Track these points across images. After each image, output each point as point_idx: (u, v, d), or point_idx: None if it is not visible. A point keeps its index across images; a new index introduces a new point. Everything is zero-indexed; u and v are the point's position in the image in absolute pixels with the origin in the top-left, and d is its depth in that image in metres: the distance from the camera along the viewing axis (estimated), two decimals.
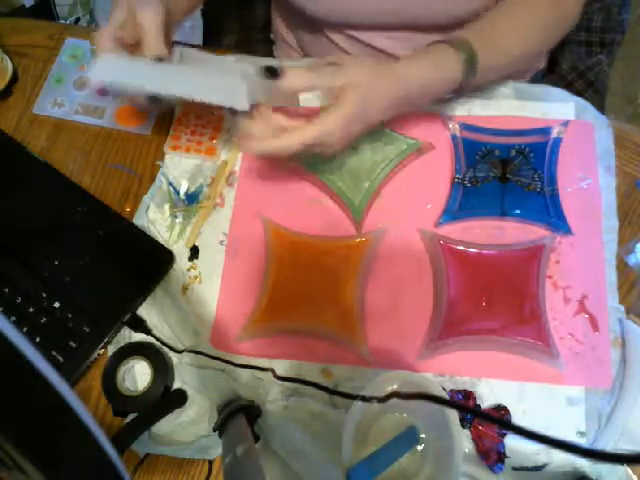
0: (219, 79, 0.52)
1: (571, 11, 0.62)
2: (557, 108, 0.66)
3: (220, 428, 0.51)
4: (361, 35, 0.69)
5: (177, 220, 0.63)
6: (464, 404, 0.54)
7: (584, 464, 0.52)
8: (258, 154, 0.53)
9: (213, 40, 0.88)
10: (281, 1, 0.68)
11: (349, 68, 0.51)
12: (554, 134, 0.63)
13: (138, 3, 0.52)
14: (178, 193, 0.64)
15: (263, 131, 0.52)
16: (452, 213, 0.61)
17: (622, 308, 0.57)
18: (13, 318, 0.58)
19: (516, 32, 0.58)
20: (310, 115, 0.51)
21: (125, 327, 0.58)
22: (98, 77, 0.54)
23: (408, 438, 0.51)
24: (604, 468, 0.52)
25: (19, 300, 0.58)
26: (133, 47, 0.54)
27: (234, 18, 0.89)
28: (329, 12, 0.65)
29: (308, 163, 0.62)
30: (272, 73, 0.50)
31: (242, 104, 0.50)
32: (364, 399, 0.43)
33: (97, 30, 0.54)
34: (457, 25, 0.58)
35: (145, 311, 0.60)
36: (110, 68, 0.53)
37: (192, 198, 0.64)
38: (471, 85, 0.57)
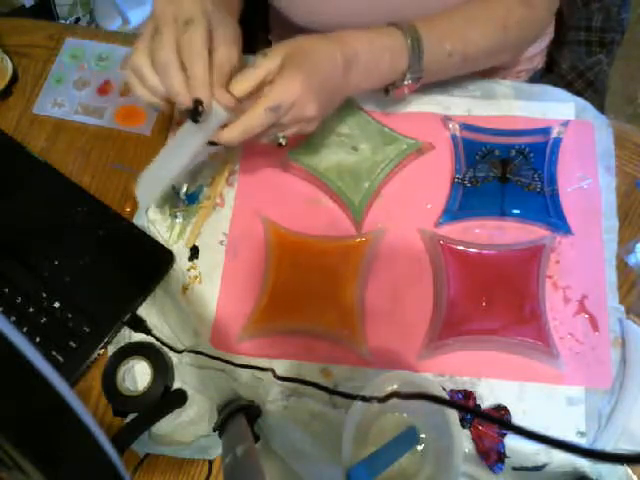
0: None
1: (540, 12, 0.61)
2: (557, 108, 0.66)
3: (220, 428, 0.51)
4: None
5: (177, 220, 0.63)
6: (464, 404, 0.54)
7: (584, 464, 0.52)
8: (235, 139, 0.50)
9: None
10: (276, 10, 0.68)
11: (284, 42, 0.50)
12: (554, 134, 0.63)
13: (225, 25, 0.50)
14: (178, 193, 0.64)
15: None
16: (452, 213, 0.61)
17: (622, 308, 0.57)
18: (13, 318, 0.58)
19: (470, 21, 0.58)
20: None
21: (125, 327, 0.58)
22: (147, 202, 0.58)
23: (408, 438, 0.51)
24: (604, 468, 0.52)
25: (19, 300, 0.58)
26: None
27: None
28: (318, 25, 0.65)
29: (308, 163, 0.62)
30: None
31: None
32: (364, 399, 0.43)
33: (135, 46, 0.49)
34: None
35: (145, 311, 0.60)
36: (151, 184, 0.55)
37: (192, 198, 0.64)
38: (427, 69, 0.56)
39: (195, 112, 0.47)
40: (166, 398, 0.55)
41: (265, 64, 0.49)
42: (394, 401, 0.39)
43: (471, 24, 0.58)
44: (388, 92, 0.59)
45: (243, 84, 0.49)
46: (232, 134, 0.49)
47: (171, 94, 0.48)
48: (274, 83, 0.48)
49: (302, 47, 0.50)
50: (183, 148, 0.52)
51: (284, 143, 0.53)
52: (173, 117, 0.68)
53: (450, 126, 0.64)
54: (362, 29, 0.54)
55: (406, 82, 0.56)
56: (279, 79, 0.48)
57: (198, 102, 0.47)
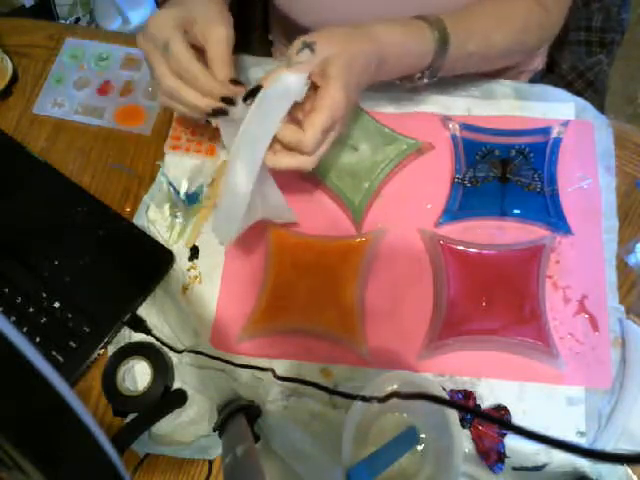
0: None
1: (554, 16, 0.62)
2: (557, 108, 0.66)
3: (220, 428, 0.51)
4: None
5: (177, 220, 0.63)
6: (464, 404, 0.54)
7: (584, 464, 0.52)
8: (286, 167, 0.50)
9: None
10: (278, 11, 0.68)
11: (326, 36, 0.49)
12: (554, 134, 0.63)
13: (207, 18, 0.51)
14: (178, 193, 0.64)
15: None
16: (452, 213, 0.61)
17: (622, 308, 0.57)
18: (13, 318, 0.58)
19: (495, 22, 0.58)
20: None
21: (125, 327, 0.58)
22: (230, 239, 0.52)
23: (408, 438, 0.51)
24: (604, 468, 0.52)
25: (19, 300, 0.58)
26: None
27: (234, 18, 0.88)
28: (321, 26, 0.65)
29: None
30: (254, 93, 0.49)
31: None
32: (364, 399, 0.43)
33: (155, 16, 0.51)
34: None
35: (145, 311, 0.60)
36: (225, 223, 0.52)
37: (192, 198, 0.64)
38: (446, 66, 0.56)
39: (229, 103, 0.50)
40: (166, 398, 0.55)
41: (311, 61, 0.48)
42: (394, 401, 0.39)
43: (495, 25, 0.58)
44: (400, 81, 0.58)
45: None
46: (287, 160, 0.50)
47: (197, 108, 0.51)
48: (322, 104, 0.48)
49: (347, 51, 0.49)
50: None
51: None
52: (173, 117, 0.68)
53: (450, 126, 0.64)
54: (395, 23, 0.53)
55: (425, 80, 0.56)
56: (328, 98, 0.48)
57: (225, 100, 0.49)
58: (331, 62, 0.48)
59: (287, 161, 0.50)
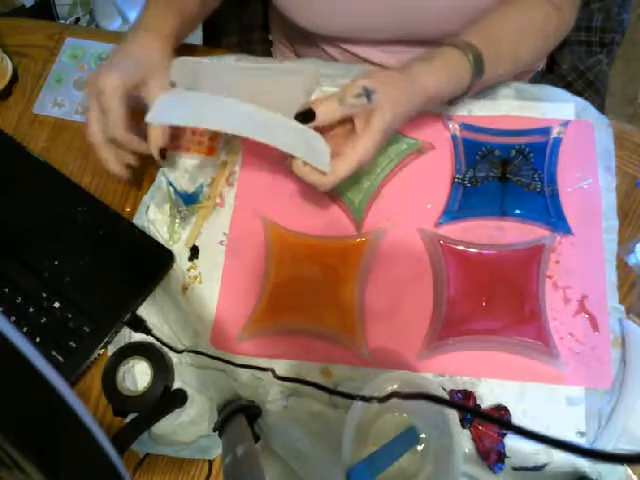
0: (298, 131, 0.50)
1: (568, 15, 0.62)
2: (557, 108, 0.65)
3: (220, 428, 0.51)
4: (354, 49, 0.69)
5: (177, 220, 0.63)
6: (464, 404, 0.54)
7: (584, 464, 0.52)
8: (305, 180, 0.53)
9: (213, 40, 0.88)
10: (278, 12, 0.68)
11: (381, 96, 0.50)
12: (554, 134, 0.63)
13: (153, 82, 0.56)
14: (178, 193, 0.64)
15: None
16: (452, 213, 0.61)
17: (622, 308, 0.57)
18: (13, 318, 0.58)
19: (518, 36, 0.58)
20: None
21: (125, 327, 0.58)
22: (158, 119, 0.53)
23: (408, 438, 0.51)
24: (604, 468, 0.52)
25: (19, 300, 0.58)
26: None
27: (234, 18, 0.89)
28: (321, 27, 0.66)
29: None
30: (305, 117, 0.50)
31: (325, 165, 0.50)
32: (364, 399, 0.43)
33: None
34: (450, 38, 0.58)
35: (145, 311, 0.60)
36: (171, 108, 0.52)
37: (192, 198, 0.64)
38: (478, 86, 0.57)
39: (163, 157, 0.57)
40: (166, 398, 0.55)
41: (360, 105, 0.49)
42: (394, 401, 0.39)
43: (521, 41, 0.58)
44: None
45: (328, 114, 0.50)
46: (323, 181, 0.51)
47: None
48: (355, 149, 0.49)
49: (398, 106, 0.50)
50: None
51: None
52: None
53: (450, 126, 0.64)
54: (434, 63, 0.53)
55: (458, 100, 0.58)
56: (360, 145, 0.49)
57: (161, 151, 0.56)
58: (379, 114, 0.49)
59: (308, 177, 0.52)
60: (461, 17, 0.60)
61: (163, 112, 0.52)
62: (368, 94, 0.49)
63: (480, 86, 0.58)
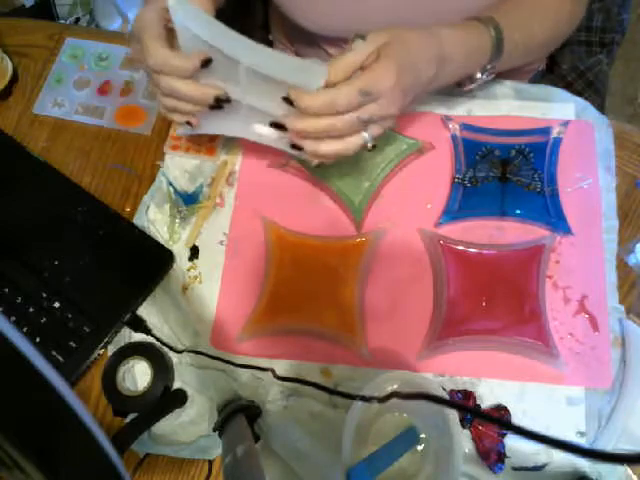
0: (295, 60, 0.48)
1: (579, 6, 0.63)
2: (557, 108, 0.66)
3: (220, 428, 0.51)
4: None
5: (177, 220, 0.63)
6: (464, 404, 0.54)
7: (584, 464, 0.52)
8: (316, 108, 0.46)
9: None
10: (278, 12, 0.68)
11: (383, 29, 0.48)
12: (554, 134, 0.63)
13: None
14: (178, 193, 0.64)
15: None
16: (452, 213, 0.61)
17: (622, 308, 0.57)
18: (13, 318, 0.58)
19: (531, 14, 0.58)
20: None
21: (125, 327, 0.58)
22: (180, 20, 0.47)
23: (408, 438, 0.51)
24: (604, 468, 0.52)
25: (19, 300, 0.58)
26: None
27: (234, 18, 0.89)
28: (321, 28, 0.66)
29: (308, 163, 0.62)
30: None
31: (318, 82, 0.45)
32: (364, 399, 0.43)
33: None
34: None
35: (145, 311, 0.60)
36: (192, 16, 0.48)
37: (192, 198, 0.64)
38: (497, 66, 0.56)
39: (221, 102, 0.50)
40: (166, 398, 0.55)
41: (364, 49, 0.47)
42: (394, 401, 0.39)
43: (533, 16, 0.58)
44: (460, 85, 0.58)
45: (339, 67, 0.46)
46: (315, 102, 0.46)
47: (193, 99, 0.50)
48: (369, 69, 0.46)
49: (402, 38, 0.48)
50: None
51: (370, 146, 0.50)
52: None
53: (450, 126, 0.64)
54: (455, 27, 0.53)
55: (483, 76, 0.56)
56: (375, 66, 0.46)
57: (217, 99, 0.49)
58: (386, 45, 0.47)
59: (327, 147, 0.47)
60: (460, 18, 0.60)
61: (186, 14, 0.48)
62: (361, 36, 0.48)
63: (504, 60, 0.56)
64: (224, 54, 0.47)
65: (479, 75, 0.57)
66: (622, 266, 0.59)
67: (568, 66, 0.79)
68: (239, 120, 0.53)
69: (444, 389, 0.54)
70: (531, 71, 0.79)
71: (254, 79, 0.48)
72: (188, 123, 0.53)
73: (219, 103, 0.50)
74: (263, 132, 0.53)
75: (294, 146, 0.50)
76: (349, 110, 0.46)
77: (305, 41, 0.75)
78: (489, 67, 0.56)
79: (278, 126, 0.49)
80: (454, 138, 0.64)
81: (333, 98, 0.45)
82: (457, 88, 0.59)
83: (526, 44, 0.58)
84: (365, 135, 0.49)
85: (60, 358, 0.56)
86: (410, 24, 0.63)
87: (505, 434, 0.52)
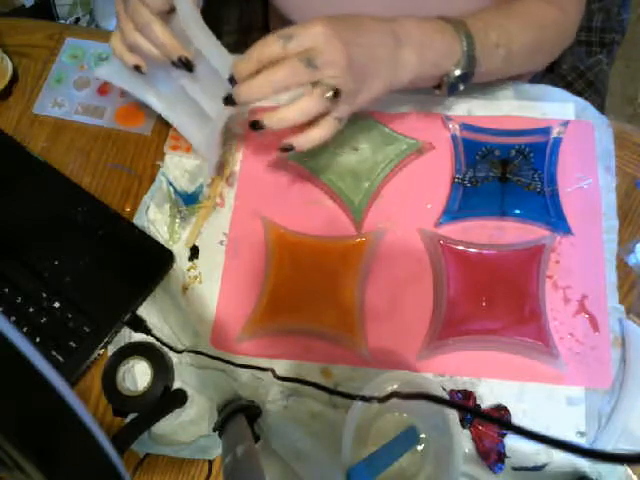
0: (202, 128, 0.56)
1: (572, 16, 0.62)
2: (557, 108, 0.66)
3: (220, 428, 0.51)
4: None
5: (177, 220, 0.63)
6: (464, 404, 0.54)
7: (584, 464, 0.52)
8: (246, 69, 0.47)
9: None
10: (277, 13, 0.69)
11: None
12: (554, 134, 0.63)
13: None
14: (178, 193, 0.64)
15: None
16: (452, 213, 0.61)
17: (622, 308, 0.57)
18: (13, 318, 0.58)
19: (508, 17, 0.58)
20: None
21: (125, 327, 0.58)
22: (102, 76, 0.57)
23: (408, 438, 0.51)
24: (604, 468, 0.52)
25: (19, 300, 0.58)
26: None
27: (234, 18, 0.89)
28: None
29: (308, 163, 0.62)
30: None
31: (212, 161, 0.57)
32: (364, 399, 0.43)
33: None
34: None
35: (145, 311, 0.60)
36: (117, 72, 0.56)
37: (192, 198, 0.64)
38: (478, 66, 0.55)
39: (183, 63, 0.51)
40: (166, 398, 0.55)
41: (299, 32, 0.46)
42: (394, 401, 0.39)
43: (511, 19, 0.58)
44: (440, 87, 0.57)
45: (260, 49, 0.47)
46: (248, 63, 0.47)
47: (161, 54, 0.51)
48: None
49: (347, 15, 0.48)
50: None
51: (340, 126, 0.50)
52: None
53: (450, 126, 0.64)
54: (418, 17, 0.53)
55: (460, 71, 0.54)
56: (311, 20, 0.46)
57: (180, 59, 0.50)
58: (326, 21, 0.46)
59: (284, 113, 0.47)
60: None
61: (110, 72, 0.57)
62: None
63: (483, 63, 0.55)
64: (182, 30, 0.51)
65: (457, 72, 0.54)
66: (622, 266, 0.59)
67: (568, 66, 0.79)
68: (175, 95, 0.57)
69: (444, 389, 0.54)
70: (532, 72, 0.79)
71: (205, 68, 0.52)
72: (137, 68, 0.53)
73: (180, 63, 0.50)
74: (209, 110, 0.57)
75: (254, 124, 0.49)
76: (282, 57, 0.45)
77: None
78: (465, 62, 0.54)
79: (229, 100, 0.49)
80: (454, 138, 0.64)
81: (260, 48, 0.46)
82: (435, 91, 0.57)
83: (508, 45, 0.57)
84: (319, 91, 0.46)
85: (60, 358, 0.56)
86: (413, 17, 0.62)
87: (505, 434, 0.52)
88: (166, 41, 0.50)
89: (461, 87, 0.56)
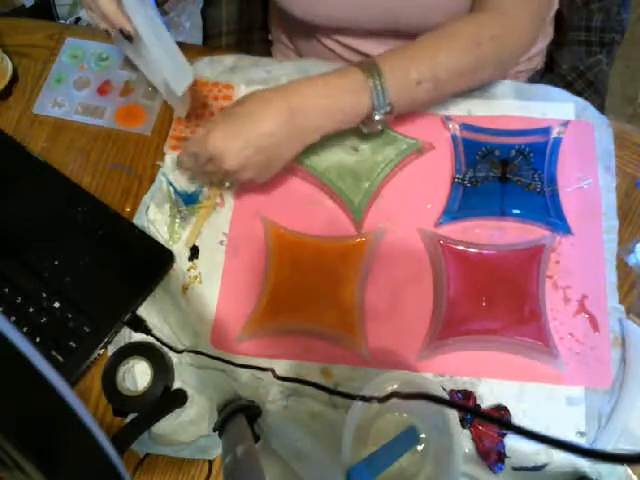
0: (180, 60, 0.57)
1: (519, 23, 0.58)
2: (557, 108, 0.66)
3: (220, 428, 0.51)
4: (352, 41, 0.70)
5: (177, 220, 0.63)
6: (464, 404, 0.54)
7: (584, 464, 0.52)
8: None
9: (213, 40, 0.88)
10: (276, 6, 0.69)
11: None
12: (554, 134, 0.63)
13: None
14: (178, 193, 0.64)
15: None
16: (452, 213, 0.61)
17: (622, 308, 0.57)
18: (13, 318, 0.58)
19: (436, 43, 0.57)
20: None
21: (125, 327, 0.58)
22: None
23: (408, 438, 0.51)
24: (604, 468, 0.52)
25: (19, 300, 0.58)
26: None
27: (234, 18, 0.89)
28: (316, 17, 0.66)
29: (308, 163, 0.62)
30: None
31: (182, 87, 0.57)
32: (364, 399, 0.43)
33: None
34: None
35: (145, 311, 0.60)
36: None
37: (192, 198, 0.64)
38: (398, 102, 0.55)
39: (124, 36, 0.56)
40: (166, 398, 0.55)
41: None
42: (394, 401, 0.39)
43: (438, 46, 0.56)
44: (363, 124, 0.58)
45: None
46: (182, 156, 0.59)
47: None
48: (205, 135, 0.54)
49: (243, 104, 0.55)
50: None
51: (228, 185, 0.60)
52: (173, 117, 0.68)
53: (450, 126, 0.64)
54: (320, 75, 0.55)
55: (377, 117, 0.56)
56: (208, 133, 0.54)
57: (122, 31, 0.56)
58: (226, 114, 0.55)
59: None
60: (444, 7, 0.60)
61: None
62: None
63: (403, 99, 0.56)
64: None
65: (376, 117, 0.56)
66: (622, 266, 0.59)
67: (568, 66, 0.79)
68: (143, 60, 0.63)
69: (444, 389, 0.54)
70: (530, 70, 0.79)
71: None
72: (106, 31, 0.58)
73: (123, 35, 0.56)
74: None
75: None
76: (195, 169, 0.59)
77: (302, 35, 0.76)
78: (379, 109, 0.55)
79: None
80: (454, 138, 0.64)
81: (180, 164, 0.61)
82: (361, 126, 0.59)
83: (433, 77, 0.55)
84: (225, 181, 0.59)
85: (60, 358, 0.56)
86: (410, 7, 0.63)
87: (505, 434, 0.52)
88: (111, 15, 0.55)
89: (388, 122, 0.58)
